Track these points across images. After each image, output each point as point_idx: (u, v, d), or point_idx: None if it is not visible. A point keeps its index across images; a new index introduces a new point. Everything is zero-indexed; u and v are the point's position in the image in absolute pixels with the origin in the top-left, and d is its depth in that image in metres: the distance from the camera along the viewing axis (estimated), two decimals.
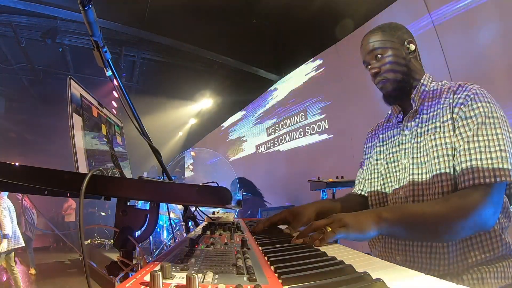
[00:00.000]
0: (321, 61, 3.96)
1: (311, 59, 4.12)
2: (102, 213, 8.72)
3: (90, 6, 0.60)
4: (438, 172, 0.77)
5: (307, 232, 0.65)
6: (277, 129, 4.90)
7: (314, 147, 4.02)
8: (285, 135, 4.67)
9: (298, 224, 0.83)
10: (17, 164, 0.51)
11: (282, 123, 4.77)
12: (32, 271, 5.11)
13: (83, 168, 0.66)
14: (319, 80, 3.98)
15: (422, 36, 2.58)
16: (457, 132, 0.77)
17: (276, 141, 4.91)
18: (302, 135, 4.27)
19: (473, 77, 2.19)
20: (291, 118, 4.53)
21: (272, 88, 5.13)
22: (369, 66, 0.94)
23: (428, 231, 0.70)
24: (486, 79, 2.11)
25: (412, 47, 0.91)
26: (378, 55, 0.91)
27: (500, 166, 0.69)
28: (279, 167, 4.76)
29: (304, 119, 4.26)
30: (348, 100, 3.43)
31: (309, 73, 4.20)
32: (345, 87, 3.47)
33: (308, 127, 4.15)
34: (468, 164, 0.72)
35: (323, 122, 3.87)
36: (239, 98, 6.06)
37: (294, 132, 4.46)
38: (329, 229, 0.62)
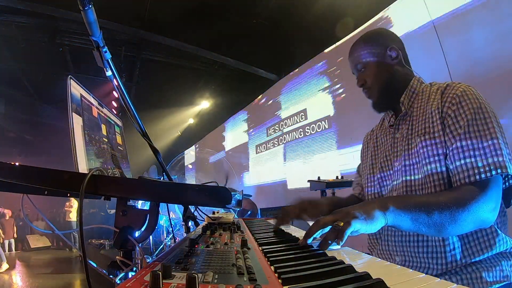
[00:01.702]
0: (321, 61, 3.96)
1: (311, 59, 4.12)
2: (101, 213, 8.72)
3: (90, 6, 0.60)
4: (430, 172, 0.78)
5: (316, 230, 0.61)
6: (277, 129, 4.90)
7: (314, 147, 4.02)
8: (285, 135, 4.67)
9: (316, 213, 0.89)
10: (17, 164, 0.51)
11: (282, 123, 4.77)
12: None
13: (83, 168, 0.66)
14: (319, 80, 3.98)
15: (422, 35, 2.59)
16: (447, 130, 0.77)
17: (276, 141, 4.91)
18: (302, 135, 4.27)
19: (473, 77, 2.19)
20: (291, 118, 4.53)
21: (272, 88, 5.13)
22: (356, 78, 0.98)
23: (432, 222, 0.69)
24: (486, 78, 2.11)
25: (395, 53, 0.92)
26: (362, 68, 0.94)
27: (495, 159, 0.69)
28: (279, 167, 4.76)
29: (304, 119, 4.26)
30: (348, 99, 3.44)
31: (309, 72, 4.20)
32: (345, 87, 3.48)
33: (308, 127, 4.15)
34: (463, 161, 0.72)
35: (323, 122, 3.87)
36: (239, 98, 6.06)
37: (294, 132, 4.46)
38: (341, 224, 0.59)
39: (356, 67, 0.96)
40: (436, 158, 0.78)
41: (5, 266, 5.37)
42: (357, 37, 1.00)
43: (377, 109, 0.97)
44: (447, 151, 0.76)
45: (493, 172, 0.69)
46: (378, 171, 0.95)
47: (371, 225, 0.62)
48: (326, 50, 3.85)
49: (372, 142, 1.05)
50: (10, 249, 7.58)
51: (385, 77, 0.91)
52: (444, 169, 0.76)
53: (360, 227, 0.60)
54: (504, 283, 0.72)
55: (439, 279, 0.36)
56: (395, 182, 0.88)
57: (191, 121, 8.42)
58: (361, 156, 1.13)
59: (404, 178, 0.84)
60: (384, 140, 0.98)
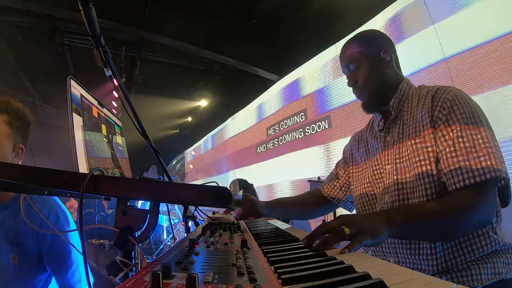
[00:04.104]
0: (321, 61, 3.96)
1: (311, 59, 4.12)
2: (102, 213, 8.71)
3: (90, 6, 0.60)
4: (421, 175, 0.78)
5: (319, 233, 0.60)
6: (277, 129, 4.90)
7: (314, 146, 4.02)
8: (285, 135, 4.67)
9: None
10: (17, 164, 0.51)
11: (282, 122, 4.77)
12: None
13: (83, 168, 0.66)
14: (319, 80, 3.98)
15: (422, 35, 2.59)
16: (439, 134, 0.77)
17: (276, 141, 4.91)
18: (302, 135, 4.27)
19: (473, 77, 2.19)
20: (291, 118, 4.53)
21: (272, 87, 5.13)
22: (347, 77, 0.97)
23: (437, 231, 0.70)
24: (485, 79, 2.11)
25: (388, 56, 0.92)
26: (355, 68, 0.93)
27: (488, 163, 0.70)
28: (279, 166, 4.76)
29: (304, 118, 4.26)
30: (347, 99, 3.44)
31: (309, 73, 4.20)
32: (344, 87, 3.47)
33: (308, 127, 4.15)
34: (457, 165, 0.72)
35: (323, 122, 3.87)
36: (239, 98, 6.07)
37: (294, 132, 4.46)
38: (346, 230, 0.58)
39: (348, 66, 0.95)
40: (427, 161, 0.78)
41: None
42: None
43: (366, 110, 0.97)
44: (439, 155, 0.76)
45: (487, 176, 0.69)
46: (369, 173, 0.95)
47: (376, 240, 0.62)
48: (326, 50, 3.85)
49: (362, 144, 1.05)
50: None
51: (377, 79, 0.91)
52: (435, 172, 0.77)
53: (366, 243, 0.60)
54: (496, 279, 0.73)
55: (439, 279, 0.35)
56: (387, 185, 0.88)
57: (191, 121, 8.43)
58: (345, 153, 1.14)
59: (395, 181, 0.85)
60: (375, 143, 0.98)
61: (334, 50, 3.72)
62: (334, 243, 0.56)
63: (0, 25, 4.32)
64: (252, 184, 4.00)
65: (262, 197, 4.96)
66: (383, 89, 0.92)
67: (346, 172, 1.11)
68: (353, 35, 0.99)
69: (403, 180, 0.83)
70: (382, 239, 0.64)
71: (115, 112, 1.06)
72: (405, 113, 0.89)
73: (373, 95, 0.92)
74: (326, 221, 0.65)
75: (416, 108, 0.86)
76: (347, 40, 0.99)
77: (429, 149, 0.78)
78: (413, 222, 0.69)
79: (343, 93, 3.52)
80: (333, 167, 1.20)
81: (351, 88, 0.98)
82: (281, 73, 4.93)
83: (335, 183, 1.13)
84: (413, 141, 0.82)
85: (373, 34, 0.99)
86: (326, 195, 1.13)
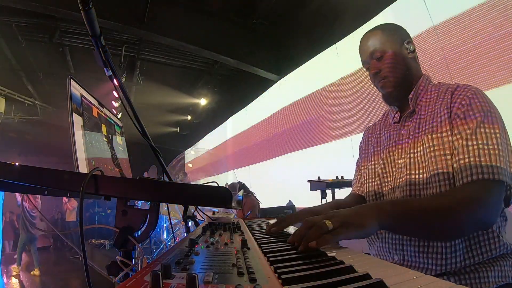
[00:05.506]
0: (320, 61, 3.96)
1: (311, 59, 4.12)
2: (101, 213, 8.72)
3: (90, 6, 0.60)
4: (436, 172, 0.77)
5: (304, 230, 0.58)
6: (277, 129, 4.90)
7: (314, 146, 4.02)
8: (285, 135, 4.67)
9: None
10: (17, 164, 0.51)
11: (282, 122, 4.77)
12: (36, 272, 5.05)
13: (83, 168, 0.66)
14: (318, 80, 3.98)
15: (422, 35, 2.59)
16: (455, 131, 0.77)
17: (276, 140, 4.91)
18: (302, 135, 4.27)
19: (473, 76, 2.19)
20: (292, 118, 4.53)
21: (271, 88, 5.13)
22: (369, 66, 0.94)
23: (433, 226, 0.69)
24: (485, 79, 2.11)
25: (412, 47, 0.91)
26: (379, 56, 0.91)
27: (498, 164, 0.69)
28: (279, 166, 4.75)
29: (304, 118, 4.26)
30: (347, 100, 3.44)
31: (308, 73, 4.20)
32: (344, 87, 3.47)
33: (308, 127, 4.15)
34: (467, 161, 0.72)
35: (323, 122, 3.87)
36: (239, 98, 6.07)
37: (294, 132, 4.46)
38: (328, 223, 0.57)
39: (371, 55, 0.92)
40: (443, 157, 0.77)
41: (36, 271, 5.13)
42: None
43: (389, 100, 0.94)
44: (454, 152, 0.76)
45: (496, 176, 0.68)
46: (380, 167, 0.94)
47: (361, 232, 0.60)
48: (325, 50, 3.85)
49: (374, 137, 1.04)
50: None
51: (402, 69, 0.90)
52: (450, 169, 0.76)
53: (349, 235, 0.58)
54: (503, 283, 0.73)
55: (440, 280, 0.35)
56: (398, 180, 0.86)
57: (191, 121, 8.44)
58: (360, 150, 1.11)
59: (408, 176, 0.83)
60: (388, 136, 0.96)
61: (334, 50, 3.72)
62: (315, 237, 0.54)
63: (0, 25, 4.32)
64: (243, 183, 3.98)
65: (263, 197, 4.95)
66: (406, 79, 0.90)
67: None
68: (374, 26, 0.96)
69: (416, 176, 0.82)
70: (371, 231, 0.62)
71: (115, 112, 1.06)
72: (422, 108, 0.87)
73: (398, 83, 0.90)
74: None
75: (434, 103, 0.85)
76: (368, 30, 0.96)
77: (445, 146, 0.77)
78: (408, 213, 0.67)
79: (342, 93, 3.52)
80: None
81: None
82: (281, 73, 4.93)
83: (360, 180, 1.10)
84: (429, 136, 0.81)
85: (396, 26, 0.97)
86: (360, 193, 1.06)
